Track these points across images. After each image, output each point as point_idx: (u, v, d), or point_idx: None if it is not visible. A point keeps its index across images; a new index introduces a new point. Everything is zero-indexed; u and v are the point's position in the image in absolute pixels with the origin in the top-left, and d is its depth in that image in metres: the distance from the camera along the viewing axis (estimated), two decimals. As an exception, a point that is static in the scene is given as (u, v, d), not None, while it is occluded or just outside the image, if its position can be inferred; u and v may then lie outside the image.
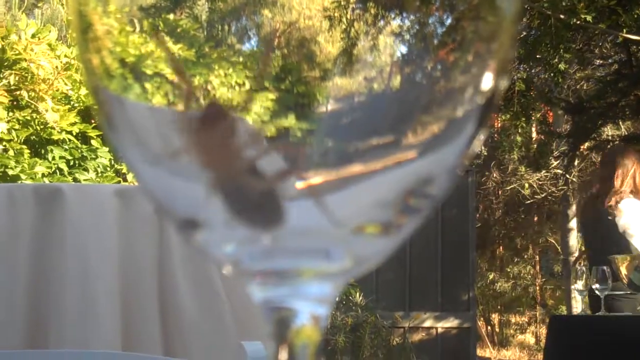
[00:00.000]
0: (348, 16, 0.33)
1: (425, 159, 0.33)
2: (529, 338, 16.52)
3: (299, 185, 0.33)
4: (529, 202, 14.24)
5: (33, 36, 5.90)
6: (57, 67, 5.82)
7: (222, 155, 0.33)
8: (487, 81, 0.34)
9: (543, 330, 15.12)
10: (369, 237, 0.34)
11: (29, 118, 5.75)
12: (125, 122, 0.35)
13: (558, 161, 11.97)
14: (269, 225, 0.34)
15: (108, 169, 5.88)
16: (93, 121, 5.95)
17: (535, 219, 15.93)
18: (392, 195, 0.34)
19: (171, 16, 0.33)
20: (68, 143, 5.76)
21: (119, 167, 5.91)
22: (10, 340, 2.11)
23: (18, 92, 5.74)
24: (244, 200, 0.33)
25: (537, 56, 7.24)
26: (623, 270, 3.87)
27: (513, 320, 16.87)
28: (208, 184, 0.33)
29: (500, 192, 15.03)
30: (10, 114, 5.71)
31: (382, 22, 0.33)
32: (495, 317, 16.63)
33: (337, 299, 0.37)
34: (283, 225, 0.33)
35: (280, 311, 0.36)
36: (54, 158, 5.69)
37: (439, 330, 10.17)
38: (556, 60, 6.78)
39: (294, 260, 0.34)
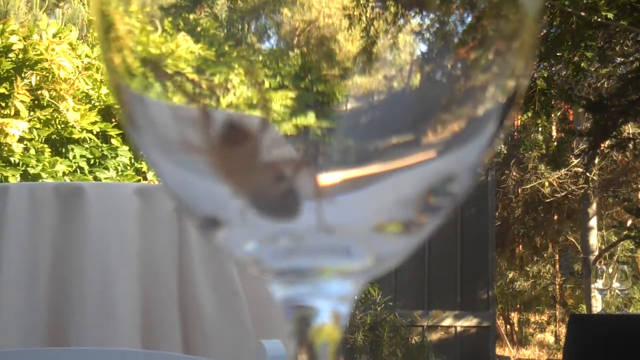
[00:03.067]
0: (368, 14, 0.33)
1: (446, 157, 0.33)
2: (548, 337, 16.46)
3: (319, 183, 0.33)
4: (548, 200, 14.17)
5: (54, 36, 5.94)
6: (77, 66, 5.85)
7: (244, 169, 0.33)
8: (509, 80, 0.33)
9: (562, 329, 15.06)
10: (390, 236, 0.34)
11: (50, 117, 5.79)
12: (146, 120, 0.35)
13: (578, 159, 11.91)
14: (289, 223, 0.34)
15: (128, 167, 5.91)
16: (113, 120, 5.99)
17: (555, 217, 15.85)
18: (413, 194, 0.34)
19: (191, 15, 0.34)
20: (88, 142, 5.80)
21: (139, 166, 5.94)
22: (30, 338, 2.12)
23: (39, 92, 5.79)
24: (265, 200, 0.34)
25: (558, 54, 7.21)
26: (644, 269, 3.85)
27: (532, 319, 16.80)
28: (230, 187, 0.33)
29: (519, 191, 14.97)
30: (32, 113, 5.75)
31: (402, 21, 0.33)
32: (514, 316, 16.57)
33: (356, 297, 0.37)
34: (303, 223, 0.33)
35: (301, 310, 0.36)
36: (74, 157, 5.72)
37: (458, 329, 10.15)
38: (577, 58, 6.74)
39: (315, 258, 0.34)
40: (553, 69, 9.06)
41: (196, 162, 0.34)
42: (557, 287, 16.39)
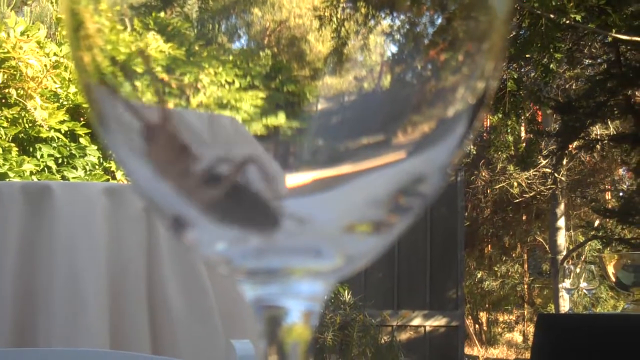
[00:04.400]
0: (338, 15, 0.33)
1: (416, 158, 0.33)
2: (516, 336, 16.56)
3: (289, 184, 0.33)
4: (517, 200, 14.28)
5: (22, 34, 5.88)
6: (46, 65, 5.80)
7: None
8: (479, 81, 0.34)
9: (531, 329, 15.16)
10: (360, 236, 0.34)
11: (17, 116, 5.73)
12: (116, 120, 0.35)
13: (547, 160, 12.01)
14: (259, 225, 0.34)
15: (97, 167, 5.86)
16: (82, 119, 5.94)
17: (524, 217, 15.97)
18: (383, 194, 0.34)
19: (162, 14, 0.33)
20: (56, 141, 5.74)
21: (107, 165, 5.90)
22: (-2, 338, 2.10)
23: (7, 90, 5.72)
24: (232, 202, 0.33)
25: (527, 56, 7.26)
26: (610, 269, 3.88)
27: (501, 318, 16.90)
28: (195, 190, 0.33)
29: (489, 191, 15.07)
30: (-1, 111, 5.69)
31: (372, 22, 0.33)
32: (483, 316, 16.66)
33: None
34: (274, 225, 0.33)
35: (271, 309, 0.36)
36: (42, 156, 5.67)
37: (427, 328, 10.19)
38: (546, 59, 6.80)
39: (285, 258, 0.34)
40: (522, 70, 9.13)
41: (162, 163, 0.34)
42: (526, 286, 16.50)
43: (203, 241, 0.35)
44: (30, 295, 2.17)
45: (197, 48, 0.33)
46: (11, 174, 5.34)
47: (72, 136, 5.88)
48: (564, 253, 12.92)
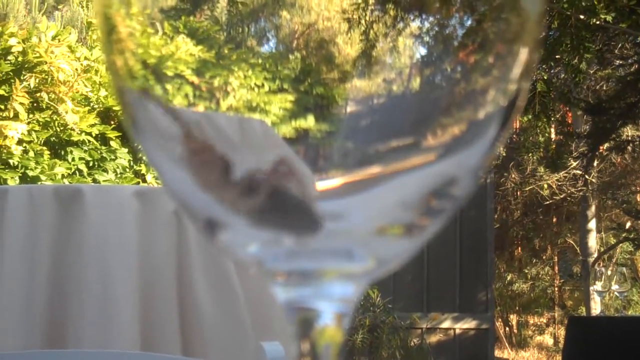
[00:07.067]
0: (367, 18, 0.33)
1: (447, 160, 0.33)
2: (547, 339, 16.43)
3: (320, 187, 0.33)
4: (547, 202, 14.17)
5: (53, 38, 5.94)
6: (77, 69, 5.85)
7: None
8: (510, 83, 0.33)
9: (562, 332, 15.04)
10: (392, 239, 0.34)
11: (49, 120, 5.79)
12: (149, 122, 0.35)
13: (577, 162, 11.90)
14: (294, 228, 0.34)
15: (127, 170, 5.90)
16: (112, 122, 5.98)
17: (554, 219, 15.86)
18: (414, 196, 0.34)
19: (191, 18, 0.34)
20: (87, 144, 5.79)
21: (138, 168, 5.94)
22: (29, 340, 2.12)
23: (38, 94, 5.78)
24: (266, 204, 0.34)
25: (557, 57, 7.21)
26: (643, 272, 3.84)
27: (531, 321, 16.78)
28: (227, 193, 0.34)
29: (518, 193, 14.98)
30: (31, 115, 5.74)
31: (401, 24, 0.33)
32: (513, 318, 16.56)
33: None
34: (308, 227, 0.33)
35: (303, 311, 0.36)
36: (73, 159, 5.72)
37: (457, 331, 10.15)
38: (576, 60, 6.74)
39: (317, 261, 0.34)
40: (552, 71, 9.07)
41: (195, 166, 0.34)
42: (556, 289, 16.38)
43: (235, 243, 0.35)
44: (62, 298, 2.18)
45: (226, 51, 0.33)
46: (43, 177, 5.40)
47: (103, 139, 5.92)
48: (595, 255, 12.81)
